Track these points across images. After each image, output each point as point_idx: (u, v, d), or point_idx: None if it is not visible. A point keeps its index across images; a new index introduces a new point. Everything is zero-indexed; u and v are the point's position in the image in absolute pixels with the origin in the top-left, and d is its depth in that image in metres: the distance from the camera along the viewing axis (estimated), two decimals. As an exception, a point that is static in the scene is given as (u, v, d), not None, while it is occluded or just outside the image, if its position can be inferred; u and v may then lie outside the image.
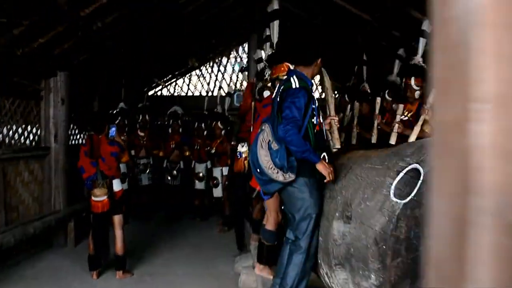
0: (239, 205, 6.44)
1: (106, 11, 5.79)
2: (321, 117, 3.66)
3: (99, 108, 8.84)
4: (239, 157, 4.97)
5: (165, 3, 6.96)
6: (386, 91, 6.36)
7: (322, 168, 3.37)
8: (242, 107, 6.38)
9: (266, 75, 5.18)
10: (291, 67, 4.52)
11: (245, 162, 4.76)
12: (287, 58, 4.54)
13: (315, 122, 3.50)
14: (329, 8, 7.89)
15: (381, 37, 7.92)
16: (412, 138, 4.57)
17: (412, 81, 5.44)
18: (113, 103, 9.05)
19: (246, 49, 11.86)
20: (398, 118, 4.99)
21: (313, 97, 3.51)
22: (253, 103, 5.33)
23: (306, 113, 3.39)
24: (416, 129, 4.56)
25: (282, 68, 4.52)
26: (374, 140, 5.73)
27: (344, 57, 9.71)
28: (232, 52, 12.54)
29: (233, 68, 12.33)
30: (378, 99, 5.87)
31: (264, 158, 3.39)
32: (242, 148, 4.91)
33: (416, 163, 2.43)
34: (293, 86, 3.43)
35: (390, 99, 6.31)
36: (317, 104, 3.56)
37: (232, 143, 8.08)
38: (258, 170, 3.45)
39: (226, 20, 9.49)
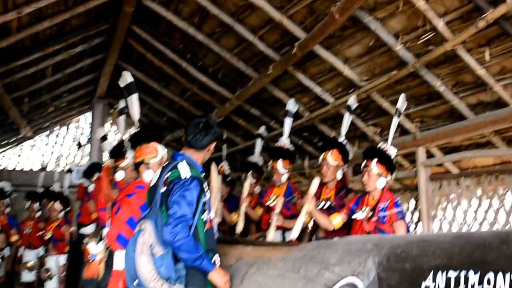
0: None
1: None
2: (212, 211, 3.07)
3: None
4: (91, 259, 3.83)
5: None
6: (249, 172, 6.04)
7: (217, 278, 2.75)
8: (94, 193, 5.56)
9: (127, 159, 4.44)
10: (160, 148, 3.91)
11: (100, 265, 3.73)
12: (156, 137, 3.91)
13: (205, 219, 2.90)
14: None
15: (240, 114, 7.75)
16: (295, 233, 4.16)
17: (279, 164, 5.20)
18: None
19: (88, 119, 10.90)
20: (277, 209, 4.58)
21: (204, 188, 2.95)
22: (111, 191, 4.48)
23: (197, 208, 2.81)
24: (300, 221, 4.20)
25: (149, 150, 3.83)
26: (240, 228, 5.26)
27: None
28: (73, 122, 11.40)
29: (73, 140, 11.17)
30: (247, 182, 5.49)
31: (146, 267, 2.65)
32: (95, 247, 3.82)
33: (352, 275, 1.97)
34: (183, 176, 2.82)
35: (254, 180, 5.99)
36: (208, 197, 2.99)
37: (72, 228, 7.04)
38: (136, 282, 2.70)
39: (67, 84, 8.58)
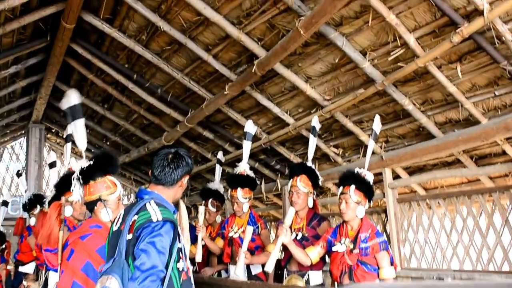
0: None
1: None
2: (188, 259, 2.57)
3: None
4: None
5: None
6: (210, 200, 5.55)
7: None
8: (36, 228, 4.90)
9: (74, 194, 3.78)
10: (118, 183, 3.38)
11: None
12: (112, 170, 3.36)
13: (181, 268, 2.40)
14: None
15: (192, 137, 7.28)
16: (269, 267, 3.74)
17: (239, 193, 4.77)
18: None
19: (23, 145, 10.06)
20: (245, 246, 4.12)
21: (179, 233, 2.46)
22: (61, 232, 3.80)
23: (170, 257, 2.32)
24: (274, 255, 3.78)
25: (106, 185, 3.28)
26: (199, 258, 4.79)
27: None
28: (5, 148, 10.50)
29: (7, 168, 10.27)
30: (202, 208, 5.02)
31: None
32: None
33: None
34: (154, 219, 2.31)
35: (214, 209, 5.51)
36: (183, 242, 2.51)
37: (8, 267, 6.35)
38: None
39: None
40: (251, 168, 7.13)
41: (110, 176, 3.39)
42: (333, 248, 3.78)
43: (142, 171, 9.70)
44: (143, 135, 7.79)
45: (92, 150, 9.50)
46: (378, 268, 3.70)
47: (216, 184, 5.59)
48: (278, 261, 4.32)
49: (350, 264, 3.69)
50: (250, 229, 4.13)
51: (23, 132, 9.44)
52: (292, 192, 4.22)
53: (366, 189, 3.82)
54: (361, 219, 3.79)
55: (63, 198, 3.77)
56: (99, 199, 3.24)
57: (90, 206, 3.32)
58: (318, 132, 4.61)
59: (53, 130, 9.93)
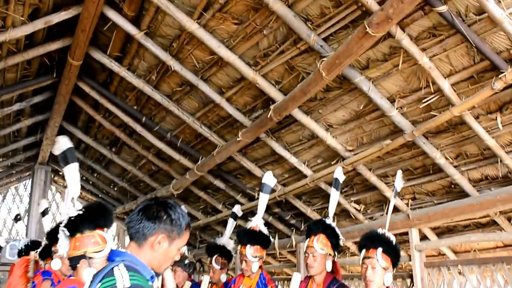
0: None
1: None
2: None
3: None
4: None
5: None
6: (214, 257, 5.05)
7: None
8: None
9: (60, 248, 3.32)
10: (109, 239, 2.94)
11: None
12: (104, 223, 2.92)
13: None
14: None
15: (201, 186, 6.84)
16: None
17: (248, 250, 4.27)
18: None
19: (28, 187, 9.71)
20: None
21: None
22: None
23: None
24: None
25: (94, 240, 2.85)
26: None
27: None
28: (9, 190, 10.15)
29: (9, 211, 9.89)
30: (206, 278, 4.48)
31: None
32: None
33: None
34: (118, 286, 1.82)
35: (218, 267, 5.00)
36: None
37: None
38: None
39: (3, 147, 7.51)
40: (264, 222, 6.67)
41: (101, 231, 2.96)
42: None
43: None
44: (151, 182, 7.38)
45: (99, 196, 9.13)
46: None
47: (225, 239, 5.10)
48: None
49: None
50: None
51: (29, 173, 9.10)
52: (307, 254, 3.72)
53: (394, 253, 3.33)
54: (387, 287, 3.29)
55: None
56: (84, 256, 2.80)
57: (73, 262, 2.86)
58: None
59: (61, 173, 9.59)
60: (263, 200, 4.41)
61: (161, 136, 5.99)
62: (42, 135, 7.23)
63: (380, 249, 3.24)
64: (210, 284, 5.38)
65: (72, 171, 3.42)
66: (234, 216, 5.18)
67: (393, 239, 3.37)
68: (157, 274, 2.05)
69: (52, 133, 6.86)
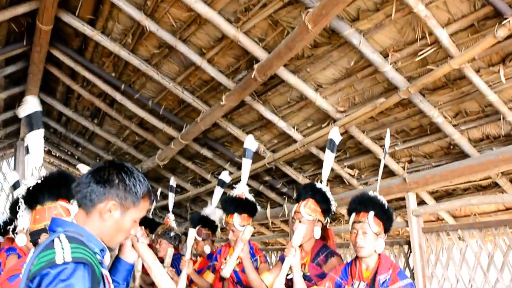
0: None
1: None
2: None
3: None
4: None
5: None
6: (197, 228, 4.81)
7: None
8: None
9: (20, 222, 3.03)
10: (72, 210, 2.66)
11: None
12: (66, 193, 2.64)
13: None
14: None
15: (189, 156, 6.56)
16: None
17: (236, 219, 4.00)
18: None
19: (11, 164, 9.41)
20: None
21: (105, 279, 1.66)
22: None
23: None
24: (279, 284, 3.05)
25: (56, 212, 2.58)
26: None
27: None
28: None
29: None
30: (190, 239, 4.24)
31: None
32: None
33: None
34: (58, 260, 1.52)
35: (200, 239, 4.76)
36: None
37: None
38: None
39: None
40: (255, 191, 6.40)
41: (64, 202, 2.68)
42: None
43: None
44: (137, 154, 7.08)
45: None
46: (402, 320, 2.91)
47: (211, 208, 4.84)
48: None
49: (366, 316, 2.92)
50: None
51: (11, 150, 8.77)
52: (294, 220, 3.46)
53: (387, 217, 3.06)
54: (379, 255, 3.03)
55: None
56: (45, 230, 2.52)
57: (34, 237, 2.60)
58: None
59: (45, 149, 9.27)
60: (247, 165, 4.12)
61: (142, 104, 5.66)
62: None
63: (371, 213, 2.97)
64: (195, 257, 5.17)
65: (35, 138, 3.11)
66: (222, 183, 4.88)
67: (385, 202, 3.10)
68: (110, 249, 1.78)
69: (29, 106, 6.51)
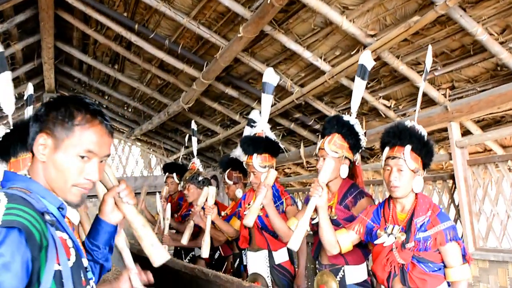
0: None
1: None
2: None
3: None
4: None
5: None
6: (227, 172, 4.57)
7: None
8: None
9: None
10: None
11: None
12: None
13: None
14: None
15: (214, 97, 6.24)
16: (294, 242, 2.72)
17: (255, 160, 3.67)
18: None
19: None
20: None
21: (58, 243, 1.33)
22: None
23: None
24: (301, 227, 2.76)
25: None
26: (205, 253, 3.86)
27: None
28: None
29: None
30: (212, 188, 4.01)
31: None
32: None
33: None
34: None
35: (231, 182, 4.53)
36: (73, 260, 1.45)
37: None
38: None
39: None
40: (286, 129, 6.07)
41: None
42: (377, 241, 2.68)
43: (172, 139, 8.80)
44: (162, 98, 6.80)
45: (116, 119, 8.69)
46: (445, 267, 2.59)
47: (239, 150, 4.55)
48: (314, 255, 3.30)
49: (402, 263, 2.60)
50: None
51: (39, 103, 8.67)
52: (318, 158, 3.11)
53: (426, 152, 2.68)
54: (416, 194, 2.67)
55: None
56: None
57: None
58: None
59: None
60: (267, 102, 3.76)
61: (159, 44, 5.31)
62: (40, 60, 6.65)
63: (408, 147, 2.59)
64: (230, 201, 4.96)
65: (2, 82, 2.90)
66: (251, 122, 4.55)
67: (424, 133, 2.71)
68: (75, 205, 1.48)
69: (48, 56, 6.25)
